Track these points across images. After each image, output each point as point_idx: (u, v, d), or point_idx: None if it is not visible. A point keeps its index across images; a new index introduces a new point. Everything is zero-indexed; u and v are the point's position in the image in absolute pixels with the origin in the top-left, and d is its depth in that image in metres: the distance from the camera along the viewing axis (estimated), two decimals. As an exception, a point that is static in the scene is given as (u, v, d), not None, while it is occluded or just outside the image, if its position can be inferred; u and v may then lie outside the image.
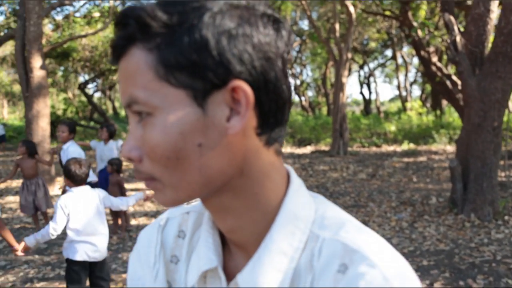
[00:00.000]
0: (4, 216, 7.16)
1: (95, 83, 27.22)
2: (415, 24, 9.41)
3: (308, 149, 15.42)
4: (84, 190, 3.22)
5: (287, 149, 15.81)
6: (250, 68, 0.48)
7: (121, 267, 4.71)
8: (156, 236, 0.64)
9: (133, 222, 6.54)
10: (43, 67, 8.78)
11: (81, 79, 27.37)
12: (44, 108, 8.83)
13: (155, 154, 0.49)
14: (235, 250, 0.58)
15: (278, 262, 0.52)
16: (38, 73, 8.67)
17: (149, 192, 3.79)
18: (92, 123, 23.69)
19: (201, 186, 0.50)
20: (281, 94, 0.51)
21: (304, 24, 34.23)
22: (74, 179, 3.16)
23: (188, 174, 0.49)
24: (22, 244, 3.09)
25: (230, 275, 0.56)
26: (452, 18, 6.08)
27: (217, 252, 0.57)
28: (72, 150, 5.22)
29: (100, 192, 3.33)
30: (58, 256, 5.14)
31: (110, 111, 30.67)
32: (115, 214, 5.81)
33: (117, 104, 36.10)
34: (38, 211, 6.09)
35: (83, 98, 27.93)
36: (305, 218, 0.54)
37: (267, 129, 0.51)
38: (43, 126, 8.83)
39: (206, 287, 0.57)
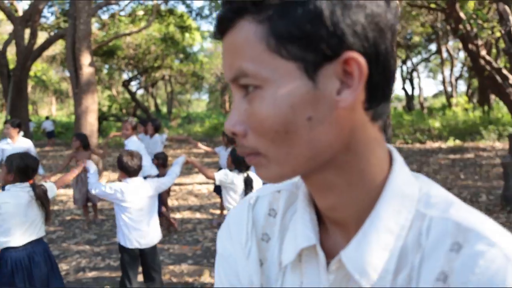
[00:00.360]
0: (55, 208, 7.48)
1: (137, 80, 27.92)
2: (463, 16, 9.06)
3: (349, 146, 15.18)
4: (137, 181, 3.33)
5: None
6: (363, 39, 0.46)
7: (167, 259, 4.82)
8: (247, 214, 0.64)
9: (177, 215, 6.67)
10: (91, 64, 9.09)
11: (124, 76, 28.13)
12: (92, 104, 9.14)
13: (263, 128, 0.48)
14: (332, 229, 0.57)
15: (385, 240, 0.50)
16: (87, 70, 8.97)
17: (190, 158, 3.84)
18: (135, 119, 24.28)
19: (307, 161, 0.49)
20: (390, 68, 0.50)
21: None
22: (126, 170, 3.28)
23: (296, 148, 0.48)
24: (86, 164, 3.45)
25: (328, 254, 0.55)
26: (507, 7, 5.82)
27: (315, 230, 0.56)
28: (130, 144, 5.43)
29: (151, 183, 3.43)
30: (107, 247, 5.32)
31: (152, 108, 31.40)
32: (160, 207, 5.94)
33: (159, 101, 36.89)
34: (89, 203, 6.29)
35: (127, 95, 28.70)
36: (411, 196, 0.52)
37: (374, 104, 0.50)
38: (91, 122, 9.15)
39: (301, 266, 0.57)
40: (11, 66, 17.22)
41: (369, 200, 0.52)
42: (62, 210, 7.37)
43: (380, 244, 0.50)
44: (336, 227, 0.56)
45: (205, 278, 4.27)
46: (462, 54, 29.79)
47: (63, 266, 4.70)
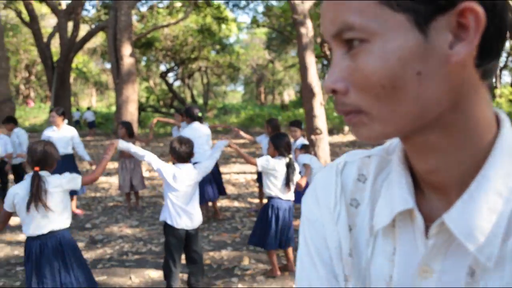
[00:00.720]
0: (98, 194, 7.71)
1: (174, 72, 28.31)
2: (510, 1, 8.66)
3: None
4: (186, 166, 3.42)
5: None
6: None
7: (207, 246, 4.88)
8: (335, 178, 0.62)
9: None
10: (132, 55, 9.26)
11: (162, 68, 28.57)
12: (132, 93, 9.33)
13: (368, 83, 0.46)
14: (430, 193, 0.54)
15: (493, 202, 0.48)
16: (127, 61, 9.15)
17: (232, 143, 3.87)
18: (172, 110, 24.70)
19: (413, 119, 0.47)
20: (505, 21, 0.47)
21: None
22: (175, 155, 3.39)
23: (402, 105, 0.46)
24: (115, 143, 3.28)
25: (424, 219, 0.53)
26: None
27: (411, 193, 0.54)
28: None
29: (198, 169, 3.51)
30: (148, 233, 5.44)
31: (189, 99, 31.81)
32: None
33: (195, 92, 37.28)
34: (132, 190, 6.43)
35: (164, 87, 29.17)
36: None
37: (486, 61, 0.47)
38: (131, 111, 9.35)
39: (394, 231, 0.55)
40: (55, 58, 17.81)
41: (475, 162, 0.50)
42: (104, 197, 7.59)
43: (489, 206, 0.48)
44: (434, 191, 0.54)
45: (245, 265, 4.30)
46: (507, 43, 28.57)
47: (107, 250, 4.84)
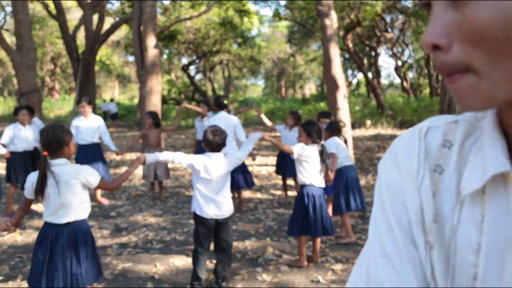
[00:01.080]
0: (123, 184, 7.80)
1: (196, 65, 28.40)
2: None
3: (410, 132, 14.74)
4: (217, 156, 3.44)
5: (387, 130, 15.25)
6: None
7: (231, 236, 4.90)
8: (418, 143, 0.60)
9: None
10: (156, 46, 9.31)
11: (183, 61, 28.69)
12: (156, 85, 9.39)
13: (479, 36, 0.43)
14: None
15: None
16: (152, 52, 9.21)
17: (266, 136, 3.87)
18: (193, 103, 24.82)
19: None
20: None
21: (408, 1, 32.32)
22: (207, 145, 3.43)
23: None
24: (142, 157, 3.20)
25: None
26: None
27: (507, 157, 0.51)
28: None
29: (229, 159, 3.51)
30: (172, 222, 5.49)
31: (210, 92, 31.93)
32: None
33: (216, 85, 37.36)
34: (156, 180, 6.49)
35: (186, 80, 29.31)
36: None
37: None
38: (155, 102, 9.41)
39: (484, 198, 0.52)
40: (80, 50, 18.08)
41: None
42: (128, 186, 7.69)
43: None
44: None
45: (269, 255, 4.31)
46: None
47: (132, 238, 4.90)
